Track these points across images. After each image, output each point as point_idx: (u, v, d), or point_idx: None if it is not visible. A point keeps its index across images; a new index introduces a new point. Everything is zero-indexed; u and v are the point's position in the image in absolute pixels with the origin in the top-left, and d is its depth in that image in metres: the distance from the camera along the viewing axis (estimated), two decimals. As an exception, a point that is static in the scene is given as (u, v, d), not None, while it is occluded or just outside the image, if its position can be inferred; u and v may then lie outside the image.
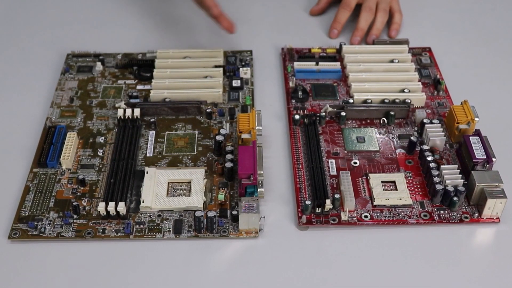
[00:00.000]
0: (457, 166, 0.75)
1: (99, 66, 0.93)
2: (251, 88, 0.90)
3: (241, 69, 0.92)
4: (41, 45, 0.99)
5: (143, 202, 0.73)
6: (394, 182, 0.76)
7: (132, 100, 0.86)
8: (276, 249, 0.70)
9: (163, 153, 0.80)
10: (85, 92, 0.89)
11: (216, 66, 0.92)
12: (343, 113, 0.83)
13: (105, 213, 0.71)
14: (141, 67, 0.93)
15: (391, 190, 0.75)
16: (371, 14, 0.99)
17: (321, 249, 0.70)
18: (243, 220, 0.69)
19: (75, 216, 0.72)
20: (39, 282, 0.67)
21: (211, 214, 0.69)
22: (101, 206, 0.71)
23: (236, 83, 0.90)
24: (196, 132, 0.83)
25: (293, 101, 0.87)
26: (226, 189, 0.75)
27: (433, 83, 0.91)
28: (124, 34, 0.99)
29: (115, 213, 0.71)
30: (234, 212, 0.71)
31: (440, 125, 0.80)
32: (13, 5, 1.08)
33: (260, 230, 0.71)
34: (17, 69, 0.95)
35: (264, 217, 0.71)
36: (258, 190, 0.72)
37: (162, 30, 1.00)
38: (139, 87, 0.90)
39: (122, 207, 0.71)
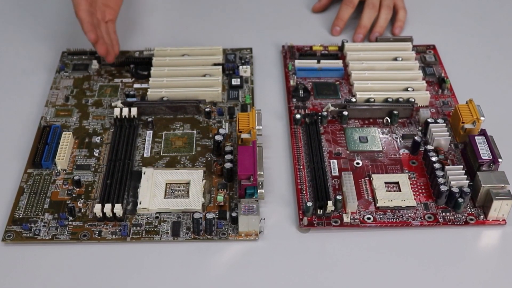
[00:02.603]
0: (462, 166, 0.75)
1: (95, 64, 0.92)
2: (251, 86, 0.89)
3: (240, 67, 0.91)
4: (36, 42, 0.98)
5: (140, 203, 0.72)
6: (397, 183, 0.75)
7: (129, 99, 0.85)
8: (276, 251, 0.69)
9: (161, 154, 0.79)
10: (80, 90, 0.89)
11: (215, 64, 0.91)
12: (345, 113, 0.83)
13: (101, 215, 0.71)
14: (138, 65, 0.92)
15: (395, 191, 0.74)
16: (375, 10, 0.98)
17: (323, 252, 0.69)
18: (242, 222, 0.69)
19: (70, 218, 0.71)
20: (34, 286, 0.66)
21: (210, 216, 0.69)
22: (97, 208, 0.70)
23: (235, 81, 0.89)
24: (195, 132, 0.82)
25: (294, 100, 0.87)
26: (225, 190, 0.74)
27: (437, 81, 0.90)
28: (121, 31, 0.98)
29: (111, 215, 0.71)
30: (234, 214, 0.70)
31: (444, 124, 0.80)
32: (6, 1, 1.07)
33: (260, 232, 0.70)
34: (11, 67, 0.94)
35: (264, 219, 0.71)
36: (258, 191, 0.72)
37: (160, 27, 0.99)
38: (136, 85, 0.90)
39: (118, 209, 0.70)
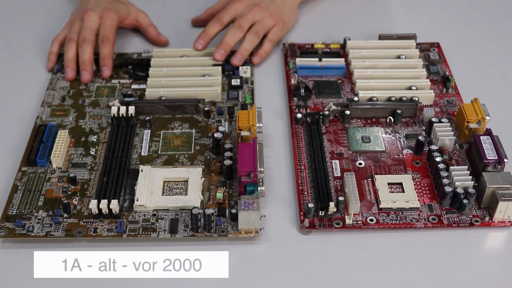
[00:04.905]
0: (467, 167, 0.74)
1: (92, 65, 0.90)
2: (251, 87, 0.88)
3: (240, 67, 0.91)
4: (33, 43, 0.98)
5: (137, 200, 0.71)
6: (401, 184, 0.74)
7: (127, 99, 0.84)
8: (277, 254, 0.68)
9: (159, 152, 0.78)
10: (77, 91, 0.88)
11: (214, 65, 0.90)
12: (347, 112, 0.82)
13: (97, 212, 0.69)
14: (136, 66, 0.91)
15: (398, 192, 0.74)
16: (240, 31, 0.92)
17: (325, 254, 0.69)
18: (242, 218, 0.68)
19: (65, 215, 0.70)
20: (27, 283, 0.65)
21: (209, 211, 0.67)
22: (93, 204, 0.69)
23: (235, 82, 0.89)
24: (194, 131, 0.81)
25: (295, 99, 0.86)
26: (224, 188, 0.73)
27: (442, 80, 0.90)
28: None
29: (107, 212, 0.69)
30: (233, 211, 0.69)
31: (449, 124, 0.79)
32: (3, 2, 1.08)
33: (260, 230, 0.69)
34: (7, 67, 0.94)
35: (265, 216, 0.69)
36: (259, 188, 0.70)
37: (159, 28, 0.98)
38: (134, 86, 0.89)
39: (115, 205, 0.69)
